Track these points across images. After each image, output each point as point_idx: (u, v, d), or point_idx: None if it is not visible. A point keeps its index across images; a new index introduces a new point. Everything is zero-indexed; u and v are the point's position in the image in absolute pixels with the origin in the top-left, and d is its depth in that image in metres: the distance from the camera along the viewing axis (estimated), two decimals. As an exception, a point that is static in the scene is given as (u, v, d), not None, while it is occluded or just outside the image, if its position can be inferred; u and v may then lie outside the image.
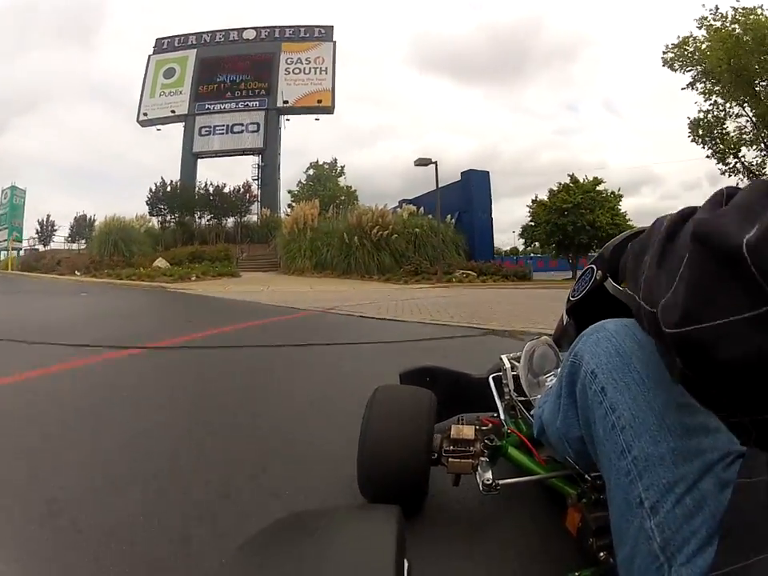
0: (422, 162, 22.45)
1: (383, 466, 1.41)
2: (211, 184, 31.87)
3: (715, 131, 26.70)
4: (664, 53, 26.18)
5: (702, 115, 26.82)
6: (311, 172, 46.45)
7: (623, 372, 0.82)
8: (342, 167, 47.20)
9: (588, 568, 1.04)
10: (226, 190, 32.02)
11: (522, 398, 1.54)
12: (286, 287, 16.42)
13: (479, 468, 1.34)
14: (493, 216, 28.75)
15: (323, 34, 38.71)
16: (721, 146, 26.82)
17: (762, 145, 25.52)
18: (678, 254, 0.56)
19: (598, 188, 27.72)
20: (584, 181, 27.99)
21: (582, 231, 26.25)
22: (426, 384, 1.76)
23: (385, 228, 22.88)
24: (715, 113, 26.51)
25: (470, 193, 27.54)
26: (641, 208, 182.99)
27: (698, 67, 25.36)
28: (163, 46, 38.65)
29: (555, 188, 27.99)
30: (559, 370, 1.11)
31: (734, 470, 0.69)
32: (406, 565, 0.60)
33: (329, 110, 37.75)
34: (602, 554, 0.99)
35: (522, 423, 1.54)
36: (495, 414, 1.65)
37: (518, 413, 1.57)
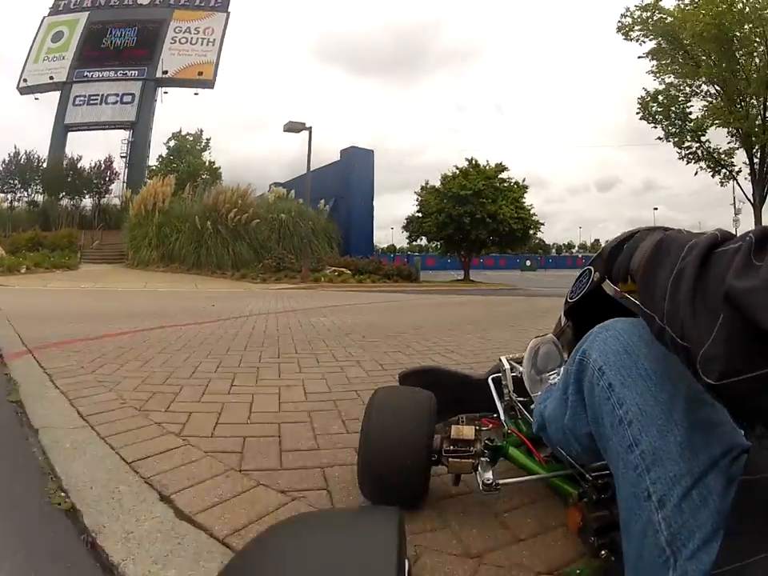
0: (294, 128, 18.83)
1: (384, 466, 1.42)
2: (66, 157, 27.54)
3: (673, 109, 24.57)
4: (623, 16, 23.81)
5: (660, 90, 24.56)
6: (172, 144, 39.96)
7: (630, 368, 0.83)
8: (208, 140, 41.12)
9: (589, 566, 1.06)
10: (84, 164, 27.58)
11: (522, 399, 1.55)
12: (113, 284, 13.94)
13: (479, 468, 1.36)
14: (374, 206, 25.25)
15: (219, 3, 35.18)
16: (680, 125, 24.68)
17: (733, 130, 23.33)
18: (711, 307, 0.57)
19: (501, 175, 24.80)
20: (486, 166, 24.80)
21: (482, 224, 23.27)
22: (425, 385, 1.74)
23: (244, 211, 19.31)
24: (673, 92, 24.34)
25: (350, 175, 23.81)
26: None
27: (660, 40, 23.30)
28: (59, 7, 34.86)
29: (450, 173, 24.62)
30: (563, 368, 1.11)
31: (739, 465, 0.70)
32: (406, 565, 0.59)
33: (209, 84, 34.45)
34: (603, 552, 1.00)
35: (522, 424, 1.54)
36: (495, 415, 1.66)
37: (518, 413, 1.57)
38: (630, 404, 0.80)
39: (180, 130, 40.02)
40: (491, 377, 1.78)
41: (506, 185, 24.61)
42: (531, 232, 26.16)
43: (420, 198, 25.05)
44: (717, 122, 23.38)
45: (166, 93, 34.07)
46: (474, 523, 1.47)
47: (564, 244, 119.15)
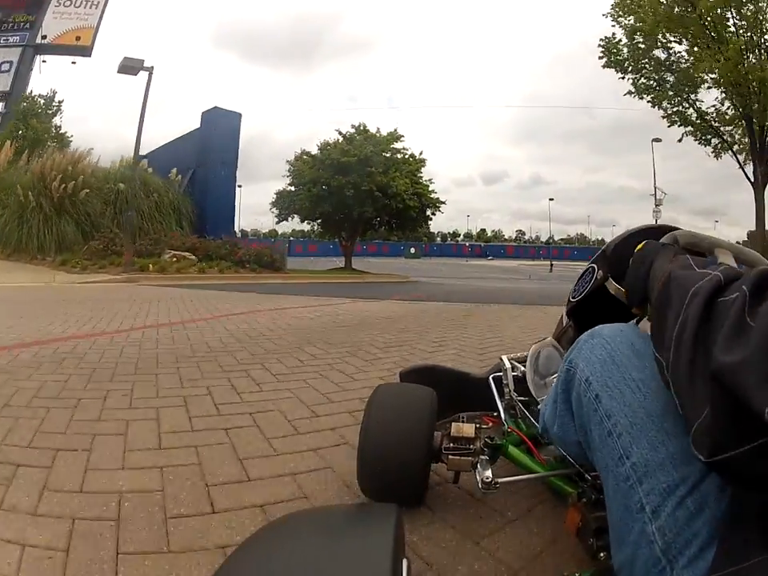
0: (130, 67, 14.22)
1: (384, 463, 1.42)
2: None
3: (645, 59, 20.16)
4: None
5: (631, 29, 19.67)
6: (23, 105, 32.99)
7: (618, 380, 0.82)
8: (61, 102, 33.22)
9: (588, 569, 1.04)
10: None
11: (522, 398, 1.55)
12: None
13: (479, 466, 1.35)
14: (244, 187, 20.29)
15: (113, -37, 30.68)
16: (657, 78, 20.43)
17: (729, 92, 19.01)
18: (706, 372, 0.55)
19: (395, 145, 21.34)
20: (377, 133, 21.21)
21: (368, 200, 19.56)
22: (425, 383, 1.74)
23: (73, 179, 15.20)
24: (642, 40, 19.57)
25: (211, 141, 19.30)
26: None
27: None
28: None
29: (332, 140, 20.76)
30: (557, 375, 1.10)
31: None
32: (405, 563, 0.59)
33: (86, 51, 30.39)
34: (601, 554, 0.99)
35: (522, 423, 1.54)
36: (495, 414, 1.67)
37: (518, 412, 1.57)
38: (618, 416, 0.78)
39: (31, 92, 33.59)
40: (492, 375, 1.78)
41: (400, 156, 21.25)
42: (429, 212, 22.60)
43: (292, 168, 20.92)
44: (703, 69, 18.69)
45: (44, 62, 30.42)
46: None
47: (449, 232, 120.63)
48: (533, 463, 1.37)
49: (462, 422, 1.48)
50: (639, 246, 0.96)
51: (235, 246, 16.27)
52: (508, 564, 1.28)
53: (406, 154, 21.77)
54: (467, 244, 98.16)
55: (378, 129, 21.53)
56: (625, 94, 20.71)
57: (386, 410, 1.51)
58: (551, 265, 39.47)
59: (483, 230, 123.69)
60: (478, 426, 1.47)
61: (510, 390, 1.60)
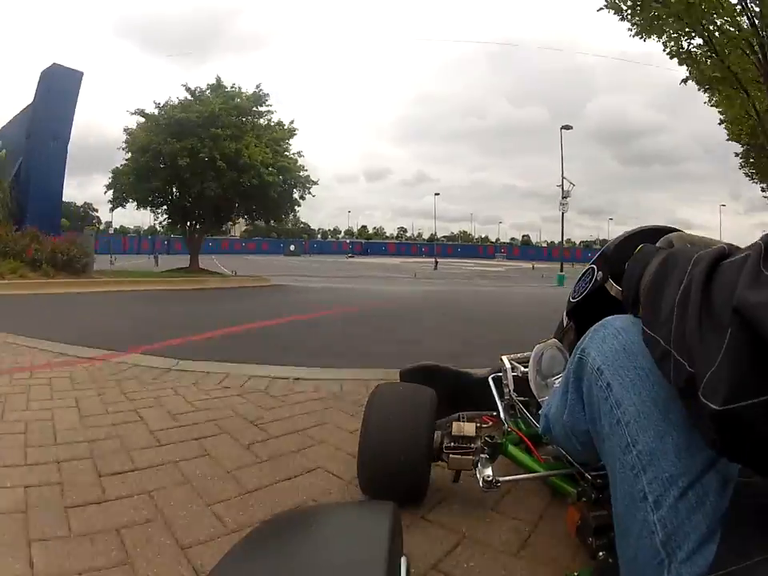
0: None
1: (384, 462, 1.43)
2: None
3: None
4: None
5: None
6: None
7: (629, 368, 0.83)
8: None
9: (587, 568, 1.05)
10: None
11: (522, 398, 1.55)
12: None
13: (479, 465, 1.36)
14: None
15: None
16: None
17: None
18: (720, 322, 0.55)
19: (258, 108, 17.34)
20: (234, 88, 17.00)
21: (209, 173, 15.31)
22: (425, 382, 1.75)
23: None
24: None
25: (44, 107, 14.77)
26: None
27: None
28: None
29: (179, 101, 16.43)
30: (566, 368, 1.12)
31: (735, 466, 0.70)
32: (404, 561, 0.59)
33: None
34: (600, 553, 1.00)
35: (522, 422, 1.54)
36: (495, 413, 1.67)
37: (518, 412, 1.57)
38: (627, 404, 0.80)
39: None
40: (492, 375, 1.78)
41: (264, 121, 17.51)
42: (297, 194, 18.63)
43: (128, 135, 16.52)
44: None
45: None
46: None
47: (330, 229, 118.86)
48: (532, 462, 1.37)
49: (462, 421, 1.49)
50: (636, 250, 0.96)
51: (35, 240, 11.99)
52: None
53: (271, 119, 17.83)
54: (348, 241, 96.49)
55: (236, 84, 17.24)
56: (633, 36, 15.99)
57: (386, 409, 1.52)
58: (436, 262, 38.14)
59: (365, 227, 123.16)
60: (478, 425, 1.48)
61: (509, 390, 1.59)
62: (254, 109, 17.33)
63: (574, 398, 0.95)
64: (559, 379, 1.36)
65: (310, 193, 18.68)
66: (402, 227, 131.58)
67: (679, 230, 1.09)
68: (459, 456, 1.40)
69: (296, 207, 19.49)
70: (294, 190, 18.42)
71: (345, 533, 0.61)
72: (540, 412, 1.22)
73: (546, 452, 1.38)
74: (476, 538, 1.39)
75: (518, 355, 1.65)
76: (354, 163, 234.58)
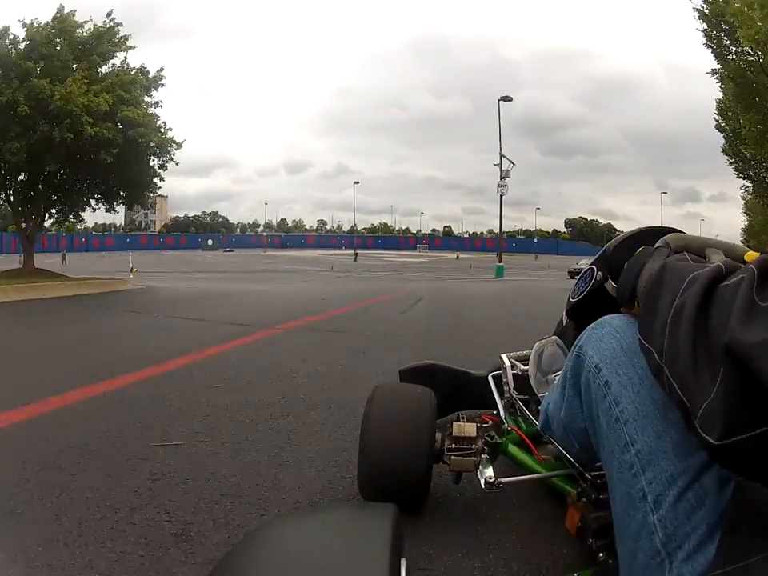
0: None
1: (385, 465, 1.42)
2: None
3: None
4: None
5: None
6: None
7: (627, 367, 0.83)
8: None
9: (587, 569, 1.05)
10: None
11: (522, 397, 1.55)
12: None
13: (480, 466, 1.36)
14: None
15: None
16: None
17: None
18: (712, 353, 0.55)
19: (110, 39, 13.21)
20: (73, 13, 12.74)
21: (16, 128, 11.55)
22: (425, 381, 1.74)
23: None
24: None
25: None
26: (212, 190, 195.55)
27: None
28: None
29: None
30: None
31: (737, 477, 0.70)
32: (404, 564, 0.59)
33: None
34: (601, 554, 1.00)
35: (522, 421, 1.54)
36: (495, 412, 1.66)
37: (518, 411, 1.57)
38: (626, 403, 0.80)
39: None
40: (491, 374, 1.77)
41: (112, 64, 13.25)
42: (156, 162, 14.46)
43: None
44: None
45: None
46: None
47: (249, 223, 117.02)
48: (533, 462, 1.37)
49: (462, 421, 1.49)
50: (637, 252, 0.96)
51: None
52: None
53: (128, 65, 13.57)
54: (265, 234, 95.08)
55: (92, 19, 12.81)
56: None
57: (385, 412, 1.51)
58: (356, 254, 37.75)
59: (284, 220, 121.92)
60: (478, 425, 1.48)
61: (509, 389, 1.58)
62: (108, 47, 13.12)
63: (572, 396, 0.94)
64: (558, 375, 1.37)
65: (172, 159, 14.51)
66: (323, 220, 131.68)
67: (678, 231, 1.07)
68: (461, 457, 1.40)
69: (156, 181, 15.02)
70: (151, 155, 14.14)
71: (346, 534, 0.60)
72: (540, 407, 1.23)
73: (547, 451, 1.37)
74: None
75: (518, 353, 1.65)
76: (276, 156, 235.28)
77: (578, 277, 1.29)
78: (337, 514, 0.72)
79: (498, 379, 1.70)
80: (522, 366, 1.57)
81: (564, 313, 1.38)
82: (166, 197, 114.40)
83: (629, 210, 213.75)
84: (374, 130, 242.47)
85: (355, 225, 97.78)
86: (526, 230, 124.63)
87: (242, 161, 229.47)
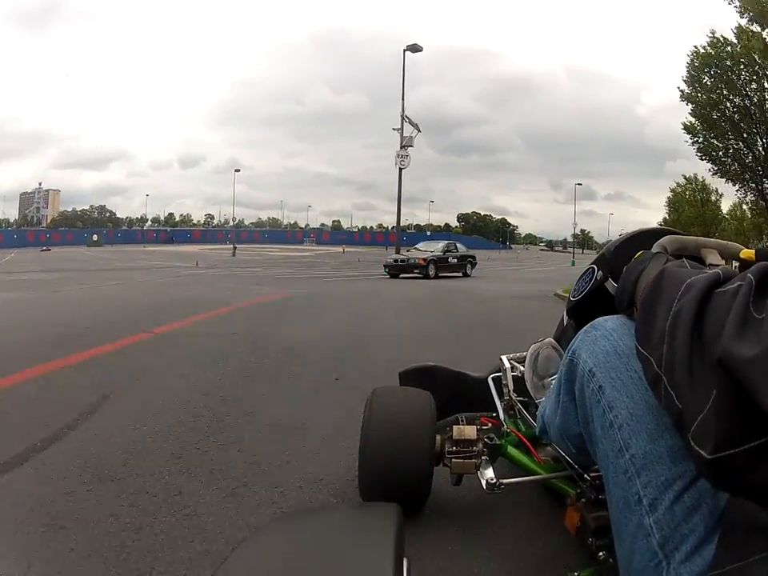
0: None
1: (386, 469, 1.42)
2: None
3: None
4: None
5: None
6: None
7: (621, 371, 0.82)
8: None
9: (587, 568, 1.05)
10: None
11: (522, 399, 1.55)
12: None
13: (481, 468, 1.36)
14: None
15: None
16: None
17: None
18: (708, 364, 0.55)
19: None
20: None
21: None
22: (425, 383, 1.76)
23: None
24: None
25: None
26: (108, 183, 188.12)
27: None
28: None
29: None
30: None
31: None
32: (405, 564, 0.59)
33: None
34: (601, 553, 1.00)
35: (521, 423, 1.54)
36: (494, 414, 1.65)
37: (517, 413, 1.57)
38: (620, 408, 0.79)
39: None
40: (491, 376, 1.77)
41: None
42: None
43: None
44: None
45: None
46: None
47: (137, 218, 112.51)
48: (532, 464, 1.38)
49: (462, 423, 1.49)
50: (636, 256, 0.97)
51: None
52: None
53: None
54: (152, 229, 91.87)
55: None
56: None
57: (385, 416, 1.51)
58: (234, 249, 37.16)
59: (171, 215, 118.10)
60: (478, 427, 1.48)
61: (509, 391, 1.59)
62: None
63: (566, 401, 0.94)
64: (554, 379, 1.37)
65: None
66: (210, 214, 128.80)
67: (677, 232, 1.10)
68: (461, 460, 1.41)
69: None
70: None
71: (349, 534, 0.61)
72: (537, 413, 1.24)
73: (546, 453, 1.38)
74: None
75: (518, 355, 1.65)
76: (171, 149, 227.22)
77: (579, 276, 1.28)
78: (340, 514, 0.73)
79: (497, 381, 1.71)
80: (522, 368, 1.57)
81: (565, 312, 1.38)
82: (59, 191, 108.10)
83: (521, 207, 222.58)
84: (270, 123, 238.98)
85: (235, 217, 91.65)
86: (417, 224, 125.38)
87: (137, 154, 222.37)
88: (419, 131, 19.04)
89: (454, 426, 1.47)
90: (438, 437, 1.47)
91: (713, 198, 50.80)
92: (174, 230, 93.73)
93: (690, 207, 49.48)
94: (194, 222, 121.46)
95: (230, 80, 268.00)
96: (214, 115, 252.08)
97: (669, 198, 57.67)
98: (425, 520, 1.48)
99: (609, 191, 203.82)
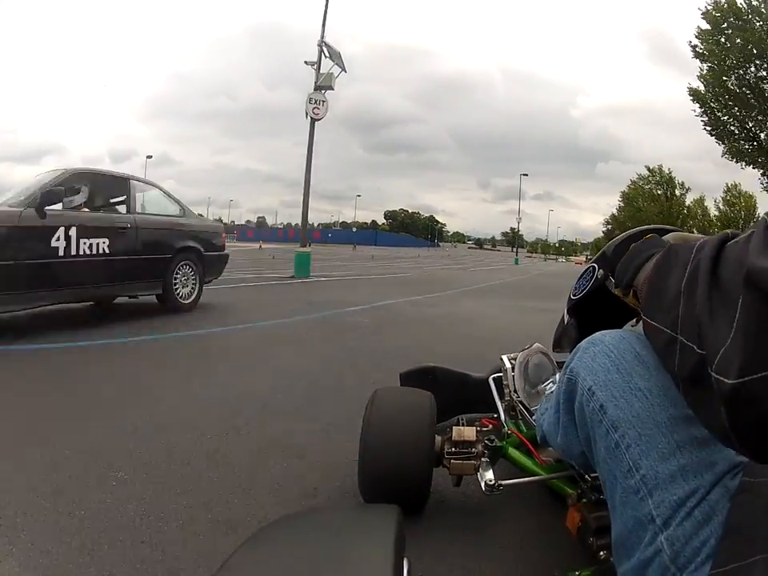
0: None
1: (386, 469, 1.42)
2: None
3: None
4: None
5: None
6: None
7: (624, 389, 0.79)
8: None
9: (588, 568, 1.05)
10: None
11: (522, 399, 1.54)
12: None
13: (480, 469, 1.36)
14: None
15: None
16: None
17: None
18: (730, 297, 0.53)
19: None
20: None
21: None
22: (426, 384, 1.75)
23: None
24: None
25: None
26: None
27: None
28: None
29: None
30: (557, 377, 1.12)
31: (741, 477, 0.68)
32: (406, 565, 0.59)
33: None
34: (602, 553, 1.00)
35: (522, 424, 1.53)
36: (495, 415, 1.65)
37: (518, 414, 1.56)
38: (626, 427, 0.76)
39: None
40: (492, 376, 1.76)
41: None
42: None
43: None
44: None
45: None
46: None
47: None
48: (533, 465, 1.37)
49: (462, 424, 1.49)
50: (647, 236, 0.94)
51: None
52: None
53: None
54: None
55: None
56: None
57: (385, 417, 1.49)
58: None
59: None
60: (478, 428, 1.47)
61: (510, 391, 1.57)
62: None
63: (566, 420, 0.92)
64: (549, 385, 1.40)
65: None
66: None
67: (679, 230, 1.09)
68: (461, 461, 1.40)
69: None
70: None
71: (350, 535, 0.60)
72: (534, 419, 1.24)
73: (547, 453, 1.37)
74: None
75: (518, 354, 1.64)
76: (103, 143, 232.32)
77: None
78: (340, 515, 0.73)
79: (498, 381, 1.69)
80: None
81: (565, 311, 1.37)
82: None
83: (449, 206, 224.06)
84: (202, 118, 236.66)
85: None
86: (343, 222, 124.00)
87: (70, 147, 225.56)
88: (343, 70, 13.10)
89: (453, 427, 1.46)
90: (438, 437, 1.47)
91: (677, 192, 48.50)
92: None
93: (652, 202, 46.88)
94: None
95: (165, 74, 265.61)
96: (147, 109, 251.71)
97: (623, 192, 53.85)
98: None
99: (538, 191, 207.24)
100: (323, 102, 12.97)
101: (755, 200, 42.48)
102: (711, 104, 20.26)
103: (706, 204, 48.30)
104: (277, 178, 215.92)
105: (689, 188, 48.06)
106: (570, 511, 1.15)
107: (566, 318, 1.38)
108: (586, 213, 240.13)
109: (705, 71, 19.99)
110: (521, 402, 1.52)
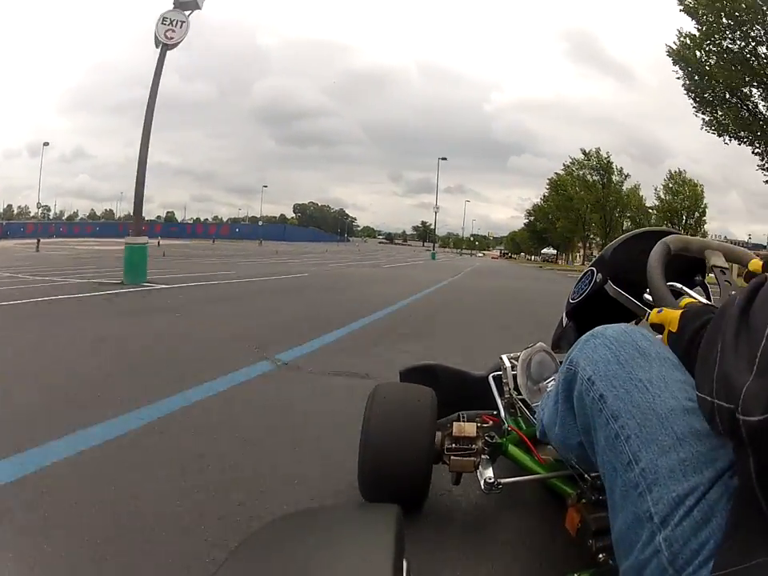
0: None
1: (385, 465, 1.41)
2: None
3: None
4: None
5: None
6: None
7: (624, 380, 0.79)
8: None
9: (587, 569, 1.04)
10: None
11: (522, 397, 1.53)
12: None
13: (480, 466, 1.35)
14: None
15: None
16: None
17: None
18: (754, 338, 0.54)
19: None
20: None
21: None
22: (426, 381, 1.74)
23: None
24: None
25: None
26: None
27: None
28: None
29: None
30: (557, 376, 1.11)
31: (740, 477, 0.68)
32: (405, 564, 0.59)
33: None
34: (601, 555, 0.99)
35: (522, 422, 1.53)
36: (495, 412, 1.65)
37: (518, 411, 1.56)
38: (626, 418, 0.76)
39: None
40: (492, 374, 1.76)
41: None
42: None
43: None
44: None
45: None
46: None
47: None
48: (533, 463, 1.37)
49: (463, 421, 1.47)
50: (682, 303, 0.91)
51: None
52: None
53: None
54: None
55: None
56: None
57: (386, 412, 1.49)
58: (38, 242, 34.45)
59: (9, 207, 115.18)
60: (478, 425, 1.46)
61: (509, 389, 1.57)
62: None
63: (564, 409, 0.92)
64: (551, 382, 1.39)
65: None
66: (46, 206, 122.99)
67: (676, 233, 1.07)
68: (460, 458, 1.39)
69: None
70: None
71: (349, 535, 0.60)
72: (535, 416, 1.25)
73: (547, 452, 1.37)
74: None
75: (518, 354, 1.63)
76: (22, 137, 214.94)
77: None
78: (340, 515, 0.72)
79: (498, 379, 1.69)
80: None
81: (564, 314, 1.38)
82: None
83: (359, 200, 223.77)
84: (118, 110, 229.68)
85: (40, 203, 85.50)
86: (252, 216, 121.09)
87: None
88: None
89: (453, 423, 1.45)
90: (439, 433, 1.46)
91: (615, 178, 45.13)
92: (9, 224, 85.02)
93: (586, 189, 43.79)
94: (32, 214, 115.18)
95: (87, 63, 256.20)
96: (65, 100, 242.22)
97: (551, 179, 50.64)
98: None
99: (449, 184, 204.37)
100: (182, 23, 9.86)
101: (701, 188, 41.38)
102: (701, 62, 19.69)
103: (641, 194, 45.76)
104: (187, 172, 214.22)
105: (628, 174, 45.37)
106: (569, 512, 1.15)
107: (565, 320, 1.40)
108: (497, 206, 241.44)
109: (695, 29, 19.51)
110: (521, 400, 1.53)
